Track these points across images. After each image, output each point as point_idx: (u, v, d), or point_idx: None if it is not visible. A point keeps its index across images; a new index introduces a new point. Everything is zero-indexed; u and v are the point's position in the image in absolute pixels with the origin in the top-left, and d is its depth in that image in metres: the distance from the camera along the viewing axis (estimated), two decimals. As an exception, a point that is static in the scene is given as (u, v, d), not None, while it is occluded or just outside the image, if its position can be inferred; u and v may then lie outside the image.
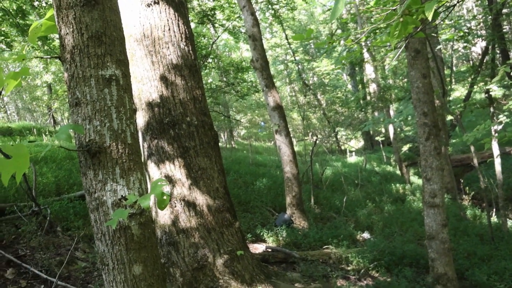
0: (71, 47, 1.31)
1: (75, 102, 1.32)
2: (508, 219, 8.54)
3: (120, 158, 1.31)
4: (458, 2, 1.43)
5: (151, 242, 1.34)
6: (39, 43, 8.86)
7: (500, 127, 6.86)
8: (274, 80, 8.22)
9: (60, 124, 19.00)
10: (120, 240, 1.27)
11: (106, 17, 1.37)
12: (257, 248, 5.98)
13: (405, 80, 16.66)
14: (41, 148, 8.66)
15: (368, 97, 18.27)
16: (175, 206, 3.67)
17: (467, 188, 11.07)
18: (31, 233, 4.44)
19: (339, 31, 19.10)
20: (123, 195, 1.28)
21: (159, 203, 1.20)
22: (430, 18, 1.18)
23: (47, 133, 12.01)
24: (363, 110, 16.63)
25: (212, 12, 11.47)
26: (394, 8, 1.39)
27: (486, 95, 7.99)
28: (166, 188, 3.53)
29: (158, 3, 3.79)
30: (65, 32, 1.35)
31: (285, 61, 20.52)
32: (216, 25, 13.10)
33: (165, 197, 1.22)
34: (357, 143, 22.88)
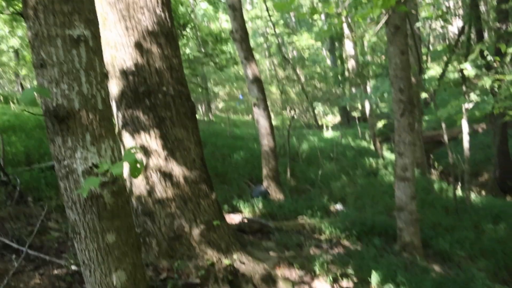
0: (35, 2, 1.20)
1: (40, 63, 1.23)
2: (471, 193, 8.98)
3: (91, 124, 1.25)
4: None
5: (125, 210, 1.31)
6: (3, 3, 8.30)
7: (471, 105, 7.07)
8: (254, 53, 8.08)
9: (36, 78, 18.22)
10: (92, 208, 1.24)
11: None
12: (234, 218, 6.06)
13: (383, 57, 16.78)
14: (8, 116, 8.29)
15: (347, 73, 18.35)
16: (151, 177, 3.63)
17: (436, 163, 11.52)
18: (0, 203, 4.31)
19: (319, 4, 18.82)
20: (94, 163, 1.24)
21: (132, 171, 1.17)
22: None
23: (14, 101, 11.48)
24: (341, 85, 16.73)
25: (191, -22, 11.01)
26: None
27: (460, 73, 8.17)
28: (139, 156, 3.48)
29: (132, -36, 3.58)
30: (27, -15, 1.23)
31: (265, 34, 20.18)
32: (195, -8, 12.62)
33: (138, 165, 1.18)
34: (334, 118, 23.16)
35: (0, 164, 4.60)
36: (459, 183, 9.35)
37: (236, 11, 7.44)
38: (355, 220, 5.97)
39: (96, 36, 1.31)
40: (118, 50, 3.61)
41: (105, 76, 1.32)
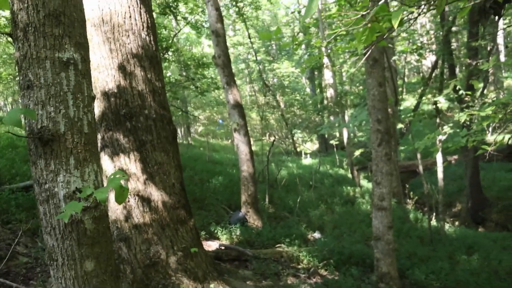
0: (25, 24, 1.20)
1: (27, 84, 1.21)
2: (445, 223, 9.18)
3: (75, 147, 1.22)
4: (420, 13, 1.50)
5: (105, 237, 1.27)
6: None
7: (444, 137, 7.34)
8: (235, 79, 8.20)
9: (2, 109, 17.66)
10: (72, 234, 1.19)
11: None
12: (211, 245, 5.94)
13: (361, 87, 17.33)
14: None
15: (326, 102, 18.79)
16: (129, 201, 3.54)
17: (411, 193, 11.76)
18: (-36, 225, 4.07)
19: (301, 35, 19.44)
20: (78, 187, 1.21)
21: (117, 196, 1.14)
22: (396, 26, 1.23)
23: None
24: (320, 113, 17.07)
25: (175, 4, 11.20)
26: (364, 13, 1.43)
27: (434, 106, 8.52)
28: (124, 182, 3.40)
29: (120, -12, 3.63)
30: (19, 7, 1.23)
31: (247, 60, 20.55)
32: (178, 17, 12.81)
33: (123, 191, 1.16)
34: (312, 145, 23.47)
35: (-33, 184, 4.37)
36: (434, 213, 9.55)
37: (219, 37, 7.58)
38: (333, 249, 5.97)
39: (86, 60, 1.30)
40: (101, 72, 3.59)
41: (92, 99, 1.31)
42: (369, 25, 1.35)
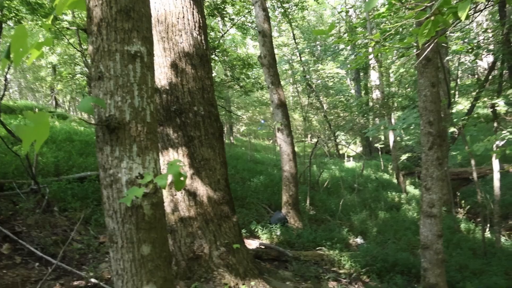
0: (99, 19, 1.30)
1: (98, 75, 1.31)
2: (501, 236, 8.57)
3: (138, 136, 1.30)
4: (487, 5, 1.41)
5: (161, 223, 1.33)
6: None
7: (502, 142, 6.87)
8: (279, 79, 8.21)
9: (61, 106, 18.93)
10: (131, 218, 1.26)
11: None
12: (251, 244, 5.98)
13: (409, 89, 16.65)
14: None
15: (371, 103, 18.26)
16: (175, 195, 3.66)
17: (462, 201, 11.12)
18: (28, 210, 4.42)
19: (346, 35, 19.06)
20: (139, 174, 1.27)
21: (176, 183, 1.19)
22: (463, 18, 1.17)
23: (51, 115, 11.94)
24: (365, 116, 16.63)
25: (223, 5, 11.42)
26: (428, 4, 1.37)
27: (491, 109, 8.00)
28: (183, 170, 3.54)
29: (174, -11, 3.76)
30: (94, 4, 1.33)
31: (291, 61, 20.49)
32: (225, 19, 13.05)
33: (182, 178, 1.20)
34: (356, 148, 22.91)
35: (32, 172, 4.74)
36: (488, 224, 8.96)
37: (265, 37, 7.63)
38: (377, 256, 5.78)
39: (151, 53, 1.38)
40: (155, 70, 3.74)
41: (155, 91, 1.38)
42: (432, 18, 1.30)
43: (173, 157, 3.67)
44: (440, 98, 5.44)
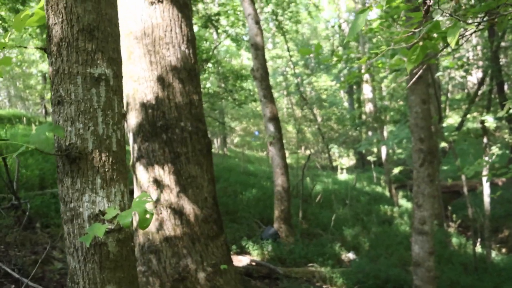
0: (59, 39, 1.19)
1: (57, 100, 1.19)
2: (492, 250, 8.51)
3: (103, 166, 1.18)
4: (477, 30, 1.35)
5: (129, 261, 1.21)
6: (38, 30, 8.70)
7: (492, 158, 6.86)
8: (272, 91, 8.15)
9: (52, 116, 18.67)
10: (94, 257, 1.14)
11: (101, 10, 1.24)
12: (241, 260, 5.84)
13: (401, 102, 16.74)
14: (28, 138, 8.44)
15: (364, 117, 18.31)
16: (161, 213, 3.53)
17: (454, 215, 11.07)
18: (8, 227, 4.25)
19: (339, 48, 19.20)
20: (102, 209, 1.16)
21: (140, 222, 1.08)
22: (453, 45, 1.10)
23: (37, 123, 11.76)
24: (357, 129, 16.65)
25: (217, 17, 11.41)
26: (415, 30, 1.30)
27: (481, 125, 8.01)
28: (150, 206, 3.40)
29: (162, 2, 3.69)
30: (53, 21, 1.22)
31: (284, 73, 20.54)
32: (219, 30, 13.05)
33: (148, 216, 1.10)
34: (349, 160, 22.89)
35: (13, 187, 4.58)
36: (479, 238, 8.90)
37: (258, 51, 7.59)
38: (369, 272, 5.68)
39: (118, 75, 1.27)
40: (141, 84, 3.64)
41: (122, 116, 1.27)
42: (420, 43, 1.22)
43: (159, 174, 3.55)
44: (431, 115, 5.41)
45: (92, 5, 1.19)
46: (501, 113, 2.38)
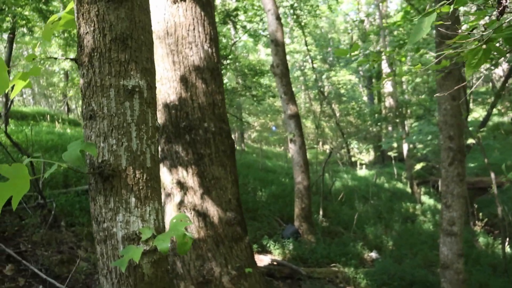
0: (90, 49, 1.12)
1: (89, 114, 1.13)
2: (523, 251, 8.18)
3: (137, 184, 1.11)
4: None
5: (163, 282, 1.15)
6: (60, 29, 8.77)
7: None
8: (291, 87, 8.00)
9: (73, 112, 19.03)
10: (129, 280, 1.08)
11: (135, 17, 1.16)
12: (263, 260, 5.78)
13: (422, 96, 16.27)
14: (52, 136, 8.57)
15: (384, 111, 17.93)
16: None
17: (480, 213, 10.72)
18: (34, 226, 4.30)
19: (359, 42, 18.81)
20: (136, 229, 1.09)
21: (179, 247, 1.02)
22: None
23: (60, 120, 11.98)
24: (378, 124, 16.31)
25: (235, 13, 11.31)
26: (485, 33, 1.17)
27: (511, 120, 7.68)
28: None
29: (184, 0, 3.62)
30: (85, 31, 1.15)
31: (302, 68, 20.28)
32: (237, 26, 12.94)
33: (187, 240, 1.03)
34: (369, 156, 22.52)
35: (39, 186, 4.64)
36: (508, 238, 8.58)
37: (278, 46, 7.46)
38: (394, 274, 5.53)
39: (152, 87, 1.20)
40: (164, 84, 3.59)
41: (156, 129, 1.20)
42: (484, 46, 1.10)
43: (182, 176, 3.51)
44: (461, 112, 5.19)
45: (125, 12, 1.12)
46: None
